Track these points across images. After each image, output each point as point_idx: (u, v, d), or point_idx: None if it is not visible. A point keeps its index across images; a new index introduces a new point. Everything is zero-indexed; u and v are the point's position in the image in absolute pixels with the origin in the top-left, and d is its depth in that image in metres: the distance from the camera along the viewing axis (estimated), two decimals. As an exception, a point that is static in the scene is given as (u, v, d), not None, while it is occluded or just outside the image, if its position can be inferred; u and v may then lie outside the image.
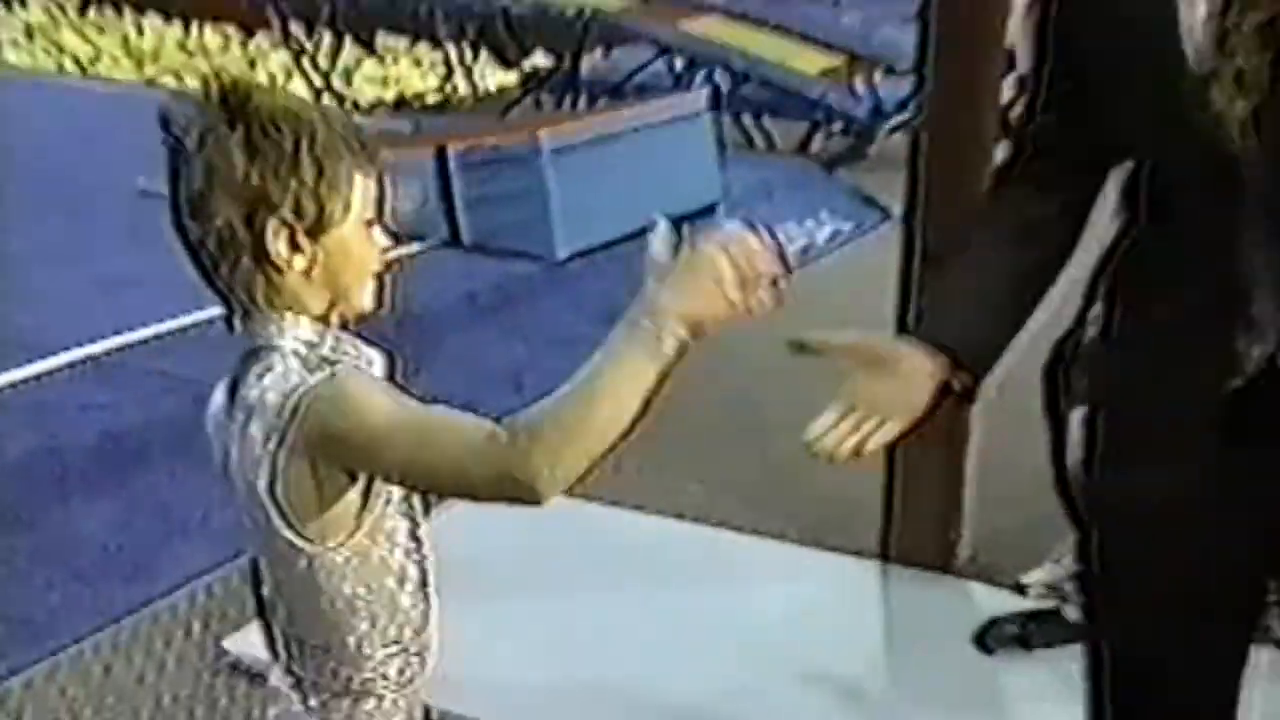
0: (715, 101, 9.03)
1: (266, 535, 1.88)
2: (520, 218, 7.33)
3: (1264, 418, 2.08)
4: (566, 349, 6.74)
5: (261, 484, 1.84)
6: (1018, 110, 2.33)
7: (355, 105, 12.52)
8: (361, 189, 1.87)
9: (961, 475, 4.33)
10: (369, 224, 1.90)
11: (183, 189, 1.84)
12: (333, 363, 1.85)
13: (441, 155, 7.35)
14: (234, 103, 1.82)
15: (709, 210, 8.06)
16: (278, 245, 1.83)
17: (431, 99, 13.22)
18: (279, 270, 1.85)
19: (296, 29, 13.59)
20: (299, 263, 1.85)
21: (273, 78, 14.07)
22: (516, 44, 12.65)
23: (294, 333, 1.87)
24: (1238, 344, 2.07)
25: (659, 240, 1.78)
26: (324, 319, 1.90)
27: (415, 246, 7.29)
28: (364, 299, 1.92)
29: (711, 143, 8.41)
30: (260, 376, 1.84)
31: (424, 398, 1.82)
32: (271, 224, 1.82)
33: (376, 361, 1.95)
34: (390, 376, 1.95)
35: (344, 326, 1.93)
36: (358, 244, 1.89)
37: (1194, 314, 2.11)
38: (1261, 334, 2.06)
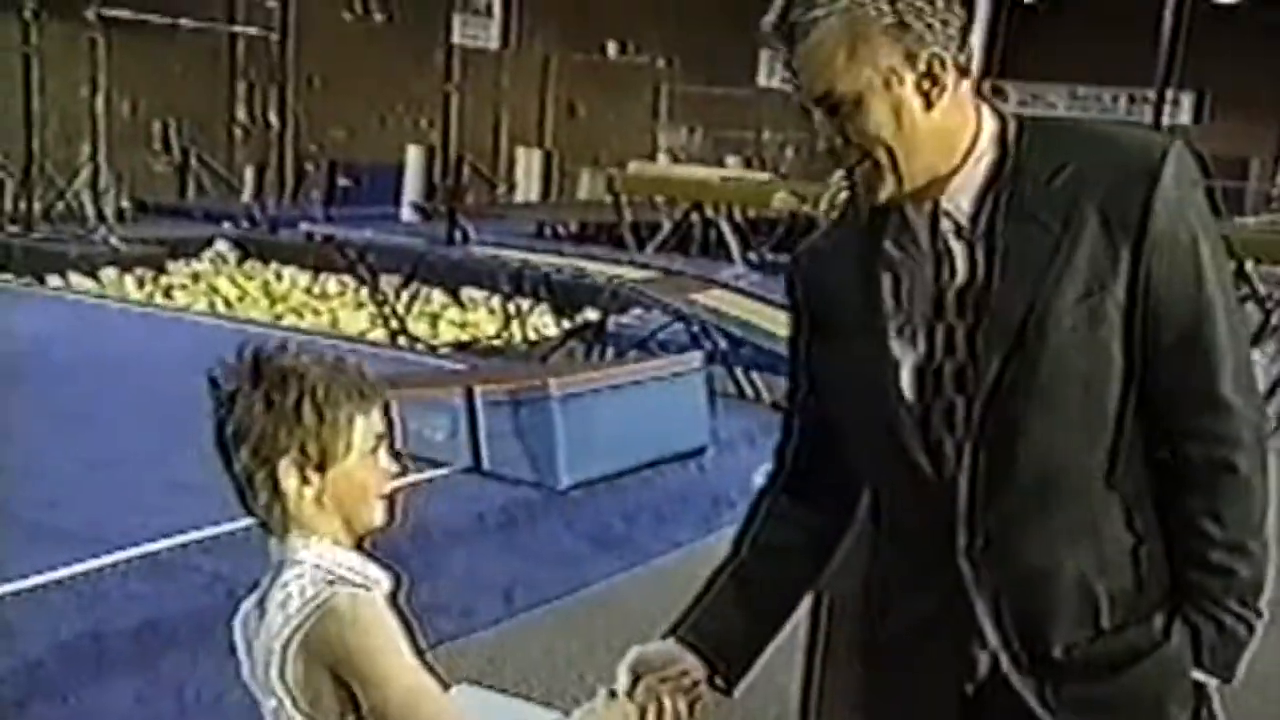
0: (710, 360, 8.97)
1: (276, 715, 1.87)
2: (531, 451, 7.22)
3: None
4: (557, 566, 6.58)
5: (274, 672, 1.83)
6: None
7: (431, 348, 12.64)
8: (362, 428, 1.88)
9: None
10: (373, 454, 1.89)
11: (225, 434, 1.87)
12: (351, 582, 1.84)
13: (470, 395, 7.29)
14: (258, 365, 1.87)
15: (698, 452, 7.98)
16: (288, 481, 1.85)
17: (495, 343, 13.37)
18: (293, 499, 1.86)
19: (388, 282, 13.82)
20: (309, 493, 1.86)
21: (372, 316, 14.33)
22: (554, 302, 12.79)
23: (315, 550, 1.86)
24: (969, 649, 1.88)
25: (621, 677, 2.00)
26: (341, 537, 1.90)
27: (443, 471, 7.21)
28: (374, 518, 1.91)
29: (703, 396, 8.27)
30: (285, 585, 1.84)
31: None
32: (282, 464, 1.85)
33: (384, 580, 1.92)
34: (394, 594, 1.92)
35: (359, 543, 1.92)
36: (361, 474, 1.88)
37: (927, 621, 1.92)
38: (984, 640, 1.87)
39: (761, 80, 25.84)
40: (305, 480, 1.86)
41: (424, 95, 21.19)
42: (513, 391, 7.36)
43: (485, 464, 7.32)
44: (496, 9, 23.02)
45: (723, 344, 10.08)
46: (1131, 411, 1.82)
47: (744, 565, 2.11)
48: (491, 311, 14.89)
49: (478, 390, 7.31)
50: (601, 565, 6.31)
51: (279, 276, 17.12)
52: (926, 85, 1.78)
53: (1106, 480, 1.84)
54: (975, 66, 1.85)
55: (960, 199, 1.84)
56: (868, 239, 1.91)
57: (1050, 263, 1.78)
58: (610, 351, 11.11)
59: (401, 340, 12.57)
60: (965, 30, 1.81)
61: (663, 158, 23.69)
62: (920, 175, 1.82)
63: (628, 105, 26.80)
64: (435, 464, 7.16)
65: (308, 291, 16.68)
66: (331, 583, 1.84)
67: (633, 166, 18.49)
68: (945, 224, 1.85)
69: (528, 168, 22.41)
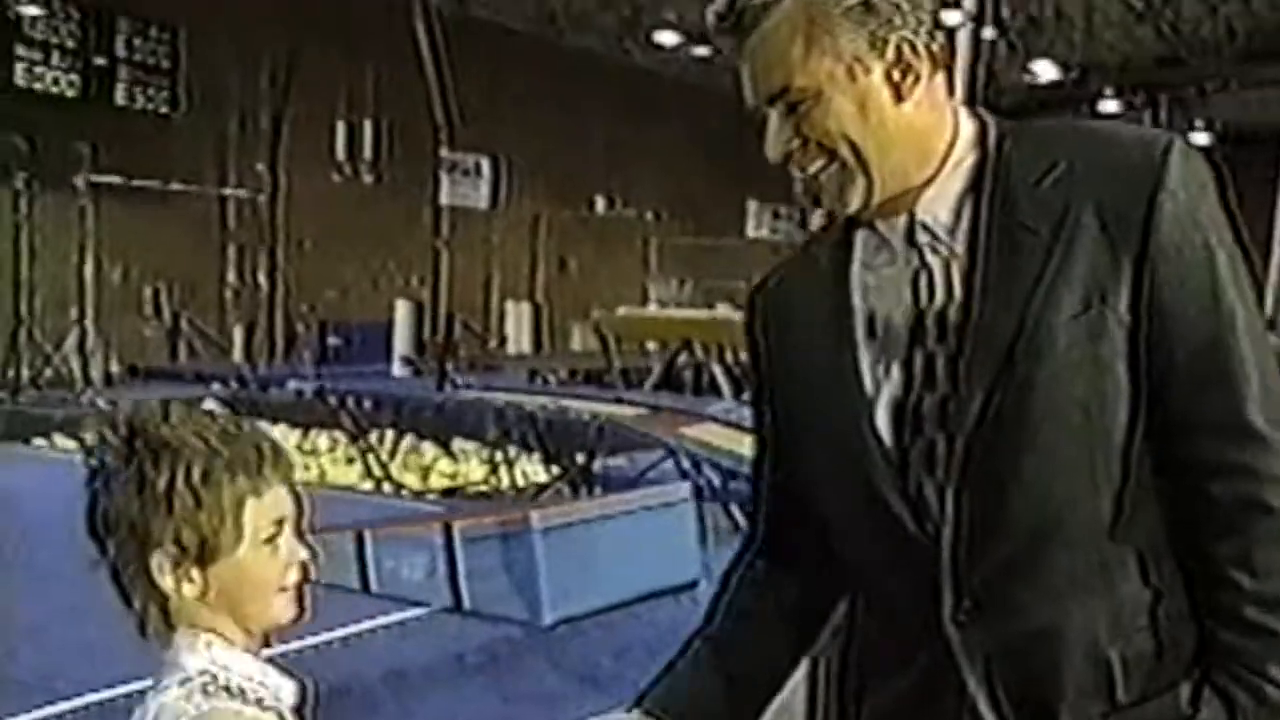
0: (701, 494, 8.69)
1: None
2: (513, 587, 6.93)
3: None
4: (542, 706, 6.22)
5: None
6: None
7: (416, 494, 12.39)
8: (254, 513, 1.57)
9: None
10: (270, 543, 1.59)
11: (95, 518, 1.60)
12: (241, 695, 1.57)
13: (448, 531, 7.01)
14: (131, 439, 1.57)
15: (690, 586, 7.65)
16: (163, 579, 1.56)
17: (483, 489, 13.12)
18: (172, 599, 1.57)
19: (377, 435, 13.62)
20: (189, 591, 1.57)
21: (369, 469, 14.08)
22: (543, 446, 12.59)
23: (201, 654, 1.57)
24: None
25: None
26: (235, 637, 1.60)
27: (421, 611, 6.90)
28: (276, 614, 1.61)
29: (693, 527, 7.98)
30: (161, 693, 1.55)
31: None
32: (155, 558, 1.56)
33: (286, 690, 1.63)
34: (300, 708, 1.64)
35: (267, 642, 1.64)
36: (257, 567, 1.58)
37: (912, 702, 1.63)
38: (975, 711, 1.58)
39: (750, 231, 26.03)
40: (185, 577, 1.55)
41: (414, 254, 21.18)
42: (493, 526, 7.07)
43: (465, 602, 7.01)
44: (485, 170, 23.23)
45: (714, 478, 9.82)
46: (1141, 443, 1.55)
47: (719, 630, 1.84)
48: (483, 461, 14.65)
49: (456, 526, 7.02)
50: (590, 705, 5.95)
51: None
52: (897, 75, 1.57)
53: (1115, 526, 1.55)
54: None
55: (937, 209, 1.61)
56: (836, 263, 1.68)
57: (1041, 273, 1.54)
58: (599, 493, 10.84)
59: (386, 487, 12.35)
60: (938, 14, 1.60)
61: (653, 307, 23.66)
62: (892, 179, 1.59)
63: (618, 258, 26.88)
64: (413, 604, 6.86)
65: (298, 448, 16.44)
66: (210, 696, 1.53)
67: (621, 310, 18.43)
68: (921, 237, 1.61)
69: (518, 321, 22.34)
